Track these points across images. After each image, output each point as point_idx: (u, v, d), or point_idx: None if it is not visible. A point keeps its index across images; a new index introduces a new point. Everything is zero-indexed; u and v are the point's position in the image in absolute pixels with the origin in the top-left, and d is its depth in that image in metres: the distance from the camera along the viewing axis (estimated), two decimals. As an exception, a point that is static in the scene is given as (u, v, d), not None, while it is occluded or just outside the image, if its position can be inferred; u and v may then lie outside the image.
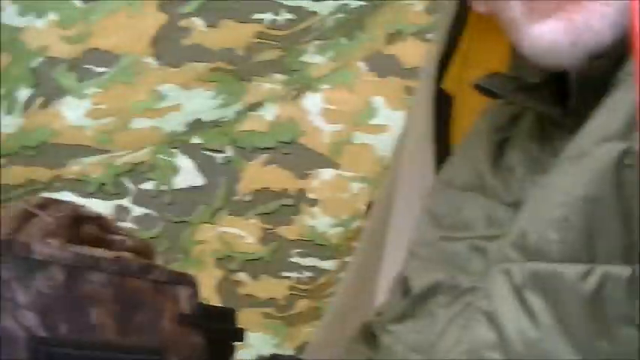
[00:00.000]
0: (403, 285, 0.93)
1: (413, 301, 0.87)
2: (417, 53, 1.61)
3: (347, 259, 1.68)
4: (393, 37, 1.61)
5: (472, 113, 1.47)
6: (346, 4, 1.53)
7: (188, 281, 0.95)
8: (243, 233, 1.67)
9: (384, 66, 1.63)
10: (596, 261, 0.69)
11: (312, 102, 1.63)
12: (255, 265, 1.69)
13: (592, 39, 0.77)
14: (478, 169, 0.90)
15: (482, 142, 0.93)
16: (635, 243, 0.67)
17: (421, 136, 1.40)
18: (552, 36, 0.78)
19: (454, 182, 0.94)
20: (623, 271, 0.68)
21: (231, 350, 1.03)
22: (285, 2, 1.51)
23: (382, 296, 1.28)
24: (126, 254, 0.93)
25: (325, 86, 1.62)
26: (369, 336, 0.98)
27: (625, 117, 0.69)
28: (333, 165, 1.67)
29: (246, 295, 1.69)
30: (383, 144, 1.65)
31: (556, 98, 0.85)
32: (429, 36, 1.58)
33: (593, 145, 0.72)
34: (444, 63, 1.46)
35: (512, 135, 0.91)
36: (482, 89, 0.91)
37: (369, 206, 1.61)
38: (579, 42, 0.77)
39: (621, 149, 0.69)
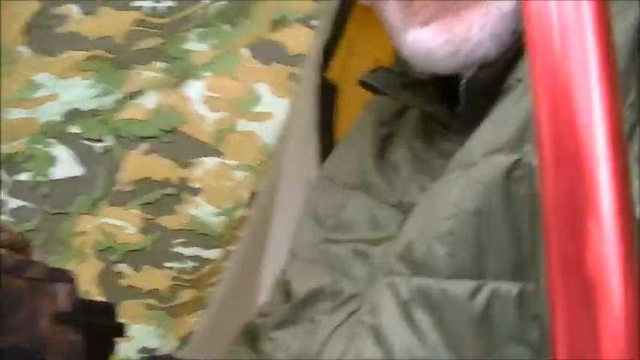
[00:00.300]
0: (285, 288, 0.90)
1: (295, 306, 0.85)
2: (302, 40, 1.60)
3: (231, 248, 1.66)
4: (278, 23, 1.60)
5: (357, 104, 1.47)
6: (229, -9, 1.51)
7: (67, 277, 0.91)
8: (125, 224, 1.63)
9: (268, 53, 1.61)
10: (485, 277, 0.67)
11: (194, 89, 1.60)
12: (136, 256, 1.65)
13: (472, 50, 0.75)
14: (362, 165, 0.88)
15: (366, 136, 0.91)
16: (525, 259, 0.66)
17: (305, 127, 1.40)
18: (430, 45, 0.76)
19: (337, 179, 0.91)
20: (512, 287, 0.66)
21: (112, 346, 1.00)
22: (165, -11, 1.48)
23: (266, 290, 1.28)
24: (0, 250, 0.89)
25: (207, 73, 1.59)
26: (252, 338, 0.95)
27: (515, 127, 0.68)
28: (216, 153, 1.64)
29: (128, 286, 1.65)
30: (267, 132, 1.63)
31: (443, 96, 0.83)
32: (314, 22, 1.57)
33: (482, 156, 0.70)
34: (329, 51, 1.45)
35: (397, 130, 0.89)
36: (367, 85, 0.88)
37: (253, 195, 1.59)
38: (459, 53, 0.76)
39: (510, 161, 0.67)
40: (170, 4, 1.49)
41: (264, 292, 1.28)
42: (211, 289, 1.69)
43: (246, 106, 1.63)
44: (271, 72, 1.62)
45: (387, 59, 1.53)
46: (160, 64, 1.55)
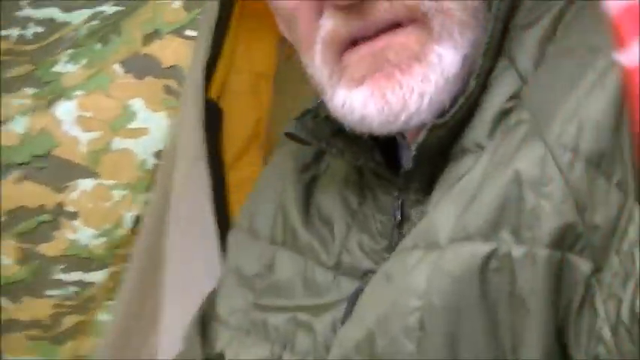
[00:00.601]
0: (218, 358, 0.84)
1: None
2: (176, 50, 1.53)
3: (114, 268, 1.61)
4: (150, 36, 1.53)
5: (242, 126, 1.44)
6: (101, 12, 1.43)
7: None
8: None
9: (141, 67, 1.54)
10: None
11: (65, 110, 1.51)
12: (15, 288, 1.57)
13: (410, 118, 0.69)
14: (287, 219, 0.82)
15: (286, 183, 0.85)
16: (504, 354, 0.61)
17: (193, 155, 1.35)
18: (364, 112, 0.70)
19: (260, 233, 0.85)
20: None
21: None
22: (33, 16, 1.39)
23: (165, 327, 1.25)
24: None
25: (79, 93, 1.51)
26: None
27: (487, 213, 0.62)
28: (92, 174, 1.56)
29: (8, 320, 1.57)
30: (143, 148, 1.57)
31: (378, 145, 0.76)
32: (188, 33, 1.51)
33: (450, 242, 0.63)
34: (209, 68, 1.41)
35: (321, 173, 0.83)
36: (293, 137, 0.80)
37: (138, 220, 1.54)
38: (396, 121, 0.69)
39: (486, 251, 0.61)
40: (39, 29, 1.39)
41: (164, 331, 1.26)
42: (96, 312, 1.64)
43: (121, 123, 1.56)
44: (145, 86, 1.55)
45: (269, 72, 1.51)
46: (30, 90, 1.46)
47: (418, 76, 0.68)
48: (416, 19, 0.68)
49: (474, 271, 0.61)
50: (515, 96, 0.66)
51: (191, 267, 1.30)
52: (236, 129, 1.43)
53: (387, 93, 0.69)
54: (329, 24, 0.70)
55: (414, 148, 0.71)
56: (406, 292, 0.64)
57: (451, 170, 0.69)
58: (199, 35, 1.44)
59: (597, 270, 0.58)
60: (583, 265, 0.58)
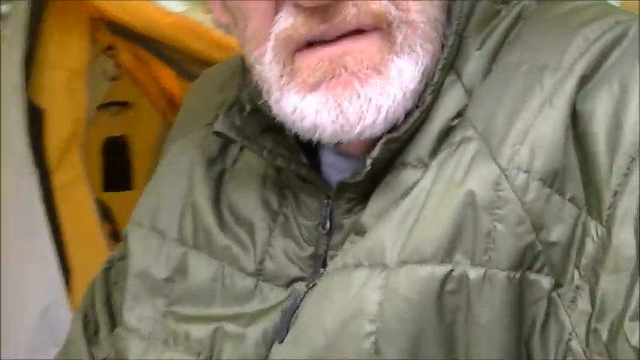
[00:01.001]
0: None
1: None
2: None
3: None
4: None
5: (62, 126, 1.38)
6: None
7: None
8: None
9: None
10: None
11: None
12: None
13: (364, 130, 0.64)
14: (198, 218, 0.76)
15: (194, 178, 0.78)
16: None
17: (18, 160, 1.28)
18: (316, 121, 0.64)
19: (166, 232, 0.77)
20: None
21: None
22: None
23: None
24: None
25: None
26: None
27: (443, 235, 0.61)
28: None
29: None
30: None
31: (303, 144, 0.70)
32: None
33: (400, 265, 0.61)
34: (27, 67, 1.34)
35: (229, 169, 0.77)
36: (222, 136, 0.72)
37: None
38: (349, 133, 0.64)
39: (442, 274, 0.60)
40: None
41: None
42: None
43: None
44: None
45: (82, 69, 1.45)
46: None
47: (377, 88, 0.64)
48: (380, 28, 0.63)
49: (431, 294, 0.60)
50: (460, 113, 0.65)
51: (25, 274, 1.24)
52: (56, 130, 1.38)
53: (344, 102, 0.64)
54: (287, 22, 0.62)
55: (369, 162, 0.64)
56: (356, 315, 0.62)
57: (390, 182, 0.67)
58: (10, 34, 1.36)
59: (557, 285, 0.58)
60: (544, 282, 0.59)
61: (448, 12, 0.67)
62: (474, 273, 0.59)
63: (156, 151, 2.03)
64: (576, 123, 0.58)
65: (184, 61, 1.63)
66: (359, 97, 0.63)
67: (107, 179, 1.90)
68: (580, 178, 0.58)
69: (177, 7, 1.68)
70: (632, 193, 0.54)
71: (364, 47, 0.64)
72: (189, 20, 1.60)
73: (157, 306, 0.76)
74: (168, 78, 1.95)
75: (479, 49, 0.65)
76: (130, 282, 0.77)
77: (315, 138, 0.64)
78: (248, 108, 0.71)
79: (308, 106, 0.64)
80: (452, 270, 0.59)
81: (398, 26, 0.62)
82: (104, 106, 1.84)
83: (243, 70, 0.73)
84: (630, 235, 0.54)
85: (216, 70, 0.87)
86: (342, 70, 0.64)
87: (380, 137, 0.64)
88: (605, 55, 0.59)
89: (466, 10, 0.67)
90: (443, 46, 0.65)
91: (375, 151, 0.64)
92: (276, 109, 0.66)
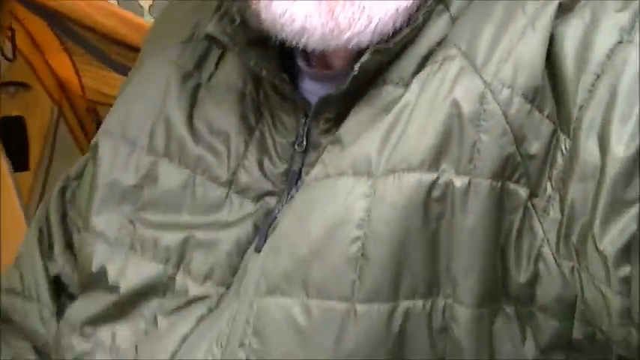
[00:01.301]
0: (96, 274, 0.74)
1: (121, 301, 0.72)
2: None
3: None
4: None
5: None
6: None
7: None
8: None
9: None
10: (399, 298, 0.62)
11: None
12: None
13: (352, 38, 0.65)
14: (171, 128, 0.75)
15: (168, 91, 0.77)
16: (438, 274, 0.63)
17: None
18: (306, 24, 0.65)
19: (136, 141, 0.76)
20: (424, 304, 0.62)
21: None
22: None
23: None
24: None
25: None
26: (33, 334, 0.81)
27: (430, 145, 0.62)
28: None
29: None
30: None
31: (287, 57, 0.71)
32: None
33: (387, 173, 0.63)
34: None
35: (205, 84, 0.77)
36: (212, 39, 0.73)
37: None
38: (338, 38, 0.65)
39: (428, 181, 0.62)
40: None
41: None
42: None
43: None
44: None
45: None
46: None
47: None
48: None
49: (417, 200, 0.62)
50: (444, 38, 0.66)
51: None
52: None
53: (337, 7, 0.64)
54: None
55: (356, 67, 0.65)
56: (342, 222, 0.63)
57: (371, 98, 0.68)
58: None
59: (533, 195, 0.62)
60: (521, 191, 0.62)
61: None
62: (459, 181, 0.62)
63: (46, 138, 2.03)
64: (551, 45, 0.62)
65: (94, 39, 1.67)
66: (352, 4, 0.64)
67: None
68: (552, 96, 0.62)
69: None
70: (595, 107, 0.58)
71: None
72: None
73: (124, 212, 0.75)
74: (63, 65, 1.97)
75: None
76: (99, 189, 0.76)
77: (302, 43, 0.65)
78: (238, 19, 0.71)
79: (299, 10, 0.65)
80: (438, 177, 0.62)
81: None
82: (3, 85, 1.85)
83: None
84: (595, 145, 0.57)
85: None
86: None
87: (362, 53, 0.66)
88: None
89: None
90: None
91: (364, 58, 0.66)
92: (265, 13, 0.66)
